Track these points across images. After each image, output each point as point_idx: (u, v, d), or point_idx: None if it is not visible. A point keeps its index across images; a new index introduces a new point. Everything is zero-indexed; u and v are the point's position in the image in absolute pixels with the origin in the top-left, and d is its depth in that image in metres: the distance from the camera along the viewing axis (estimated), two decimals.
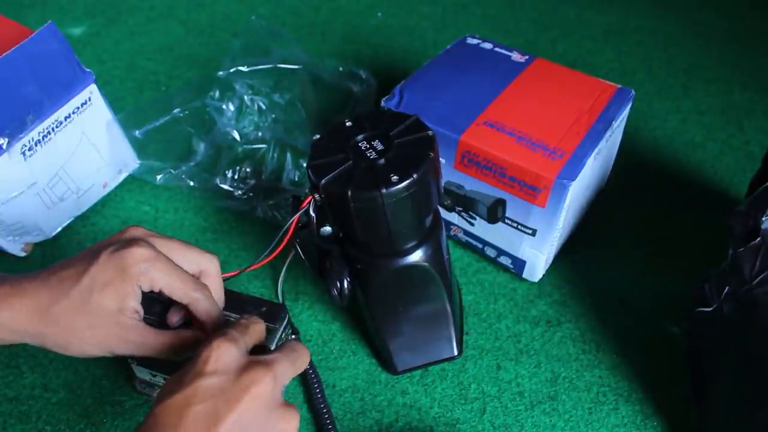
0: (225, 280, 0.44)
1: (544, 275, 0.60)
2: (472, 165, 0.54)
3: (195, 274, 0.41)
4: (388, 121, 0.42)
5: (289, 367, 0.36)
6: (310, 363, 0.52)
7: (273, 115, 0.70)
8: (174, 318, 0.42)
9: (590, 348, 0.56)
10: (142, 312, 0.39)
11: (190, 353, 0.40)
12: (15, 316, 0.37)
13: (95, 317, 0.37)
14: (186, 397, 0.31)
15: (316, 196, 0.41)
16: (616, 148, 0.63)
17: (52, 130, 0.58)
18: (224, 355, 0.33)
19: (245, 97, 0.70)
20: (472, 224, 0.59)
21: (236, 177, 0.67)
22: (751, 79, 0.84)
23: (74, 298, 0.37)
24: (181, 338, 0.40)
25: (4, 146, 0.54)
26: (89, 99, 0.61)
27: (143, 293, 0.39)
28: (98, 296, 0.37)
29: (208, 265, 0.42)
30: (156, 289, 0.39)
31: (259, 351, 0.36)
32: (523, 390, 0.53)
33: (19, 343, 0.38)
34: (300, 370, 0.37)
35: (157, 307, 0.43)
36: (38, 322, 0.37)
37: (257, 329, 0.38)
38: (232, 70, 0.70)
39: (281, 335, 0.48)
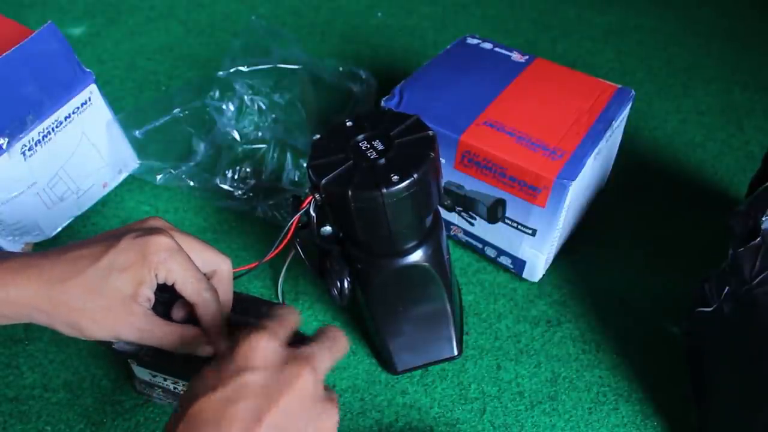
0: (236, 276, 0.44)
1: (544, 275, 0.60)
2: (472, 165, 0.54)
3: (207, 274, 0.41)
4: (388, 121, 0.42)
5: (328, 357, 0.35)
6: None
7: (273, 115, 0.70)
8: (180, 313, 0.42)
9: (590, 348, 0.56)
10: (153, 300, 0.39)
11: (191, 349, 0.40)
12: (24, 290, 0.36)
13: (108, 299, 0.37)
14: (227, 394, 0.31)
15: (317, 196, 0.41)
16: (616, 148, 0.63)
17: (52, 130, 0.58)
18: (265, 349, 0.32)
19: (245, 97, 0.70)
20: (472, 224, 0.59)
21: (236, 177, 0.67)
22: (751, 78, 0.84)
23: (90, 277, 0.37)
24: (187, 333, 0.40)
25: (4, 146, 0.54)
26: (89, 99, 0.61)
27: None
28: (115, 279, 0.37)
29: (222, 267, 0.42)
30: (170, 282, 0.38)
31: (296, 340, 0.36)
32: (523, 390, 0.53)
33: (25, 322, 0.38)
34: (339, 357, 0.37)
35: (160, 299, 0.43)
36: (47, 299, 0.36)
37: (293, 319, 0.37)
38: (232, 70, 0.70)
39: None
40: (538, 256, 0.56)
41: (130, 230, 0.39)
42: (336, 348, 0.36)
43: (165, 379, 0.47)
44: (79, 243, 0.39)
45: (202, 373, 0.33)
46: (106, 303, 0.37)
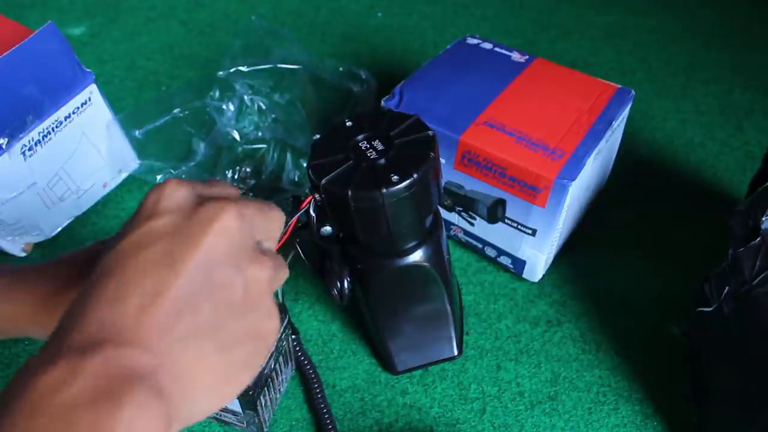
0: None
1: (544, 275, 0.60)
2: (472, 165, 0.54)
3: None
4: (388, 121, 0.42)
5: (256, 211, 0.29)
6: (310, 363, 0.52)
7: (273, 115, 0.70)
8: None
9: (590, 348, 0.56)
10: None
11: None
12: (20, 305, 0.36)
13: None
14: (136, 240, 0.26)
15: (317, 196, 0.41)
16: (616, 148, 0.63)
17: (52, 130, 0.58)
18: (175, 191, 0.28)
19: (245, 97, 0.70)
20: (472, 224, 0.59)
21: (236, 177, 0.67)
22: (750, 79, 0.84)
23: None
24: None
25: (4, 146, 0.54)
26: (89, 99, 0.61)
27: None
28: None
29: None
30: None
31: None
32: (523, 390, 0.53)
33: (22, 336, 0.37)
34: (273, 223, 0.31)
35: None
36: (44, 313, 0.36)
37: (232, 192, 0.31)
38: (232, 70, 0.70)
39: (281, 335, 0.48)
40: (538, 256, 0.56)
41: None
42: (268, 211, 0.31)
43: None
44: (70, 254, 0.38)
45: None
46: None
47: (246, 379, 0.28)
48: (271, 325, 0.29)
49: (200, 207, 0.27)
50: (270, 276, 0.28)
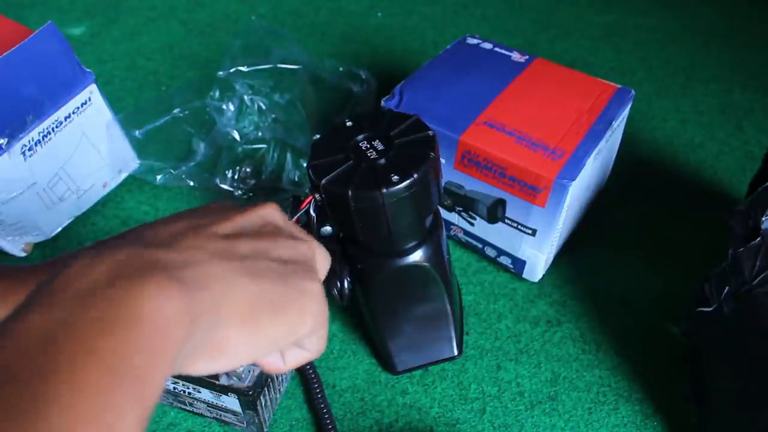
0: None
1: (544, 275, 0.60)
2: (472, 165, 0.54)
3: None
4: (388, 121, 0.42)
5: (302, 230, 0.32)
6: (310, 363, 0.52)
7: (273, 115, 0.70)
8: None
9: (590, 348, 0.56)
10: None
11: None
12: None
13: None
14: (185, 211, 0.29)
15: (317, 196, 0.41)
16: (616, 148, 0.63)
17: (52, 130, 0.58)
18: (228, 203, 0.31)
19: (245, 97, 0.70)
20: (472, 224, 0.59)
21: (236, 177, 0.67)
22: (750, 78, 0.84)
23: None
24: None
25: (4, 146, 0.54)
26: (89, 99, 0.61)
27: None
28: None
29: None
30: None
31: None
32: (523, 390, 0.53)
33: None
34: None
35: None
36: None
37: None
38: (232, 70, 0.70)
39: None
40: (538, 256, 0.56)
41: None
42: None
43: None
44: (66, 255, 0.38)
45: None
46: None
47: (276, 323, 0.27)
48: (310, 287, 0.29)
49: (238, 205, 0.30)
50: (313, 252, 0.31)
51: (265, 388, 0.47)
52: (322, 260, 0.32)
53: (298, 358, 0.32)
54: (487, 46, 0.63)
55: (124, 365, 0.20)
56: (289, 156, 0.67)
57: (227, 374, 0.45)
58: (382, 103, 0.58)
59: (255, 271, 0.27)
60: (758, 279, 0.43)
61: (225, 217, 0.28)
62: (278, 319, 0.27)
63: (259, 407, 0.47)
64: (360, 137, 0.41)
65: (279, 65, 0.73)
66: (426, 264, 0.46)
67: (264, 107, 0.70)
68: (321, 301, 0.29)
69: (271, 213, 0.31)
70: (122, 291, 0.21)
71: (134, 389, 0.20)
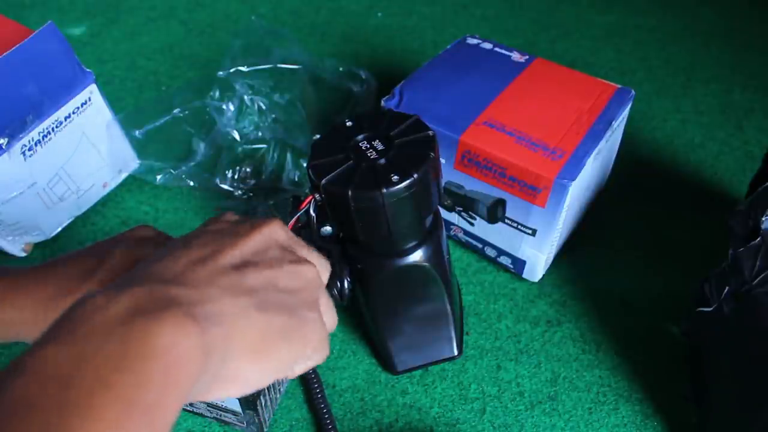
0: None
1: (544, 275, 0.60)
2: (472, 165, 0.54)
3: None
4: (388, 121, 0.42)
5: (303, 245, 0.34)
6: None
7: (273, 115, 0.70)
8: None
9: (590, 348, 0.56)
10: None
11: None
12: (16, 311, 0.36)
13: None
14: (190, 237, 0.30)
15: (317, 196, 0.41)
16: (616, 148, 0.63)
17: (52, 130, 0.58)
18: (228, 215, 0.34)
19: (245, 97, 0.70)
20: (472, 224, 0.59)
21: (236, 177, 0.67)
22: (750, 78, 0.84)
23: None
24: None
25: (4, 146, 0.54)
26: (89, 99, 0.61)
27: None
28: None
29: None
30: None
31: None
32: (523, 390, 0.53)
33: (13, 341, 0.37)
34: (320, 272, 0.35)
35: None
36: (42, 319, 0.36)
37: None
38: (232, 70, 0.70)
39: None
40: (538, 256, 0.56)
41: (119, 241, 0.38)
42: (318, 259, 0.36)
43: None
44: (66, 256, 0.38)
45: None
46: None
47: (283, 351, 0.29)
48: (311, 316, 0.31)
49: (250, 219, 0.32)
50: (316, 274, 0.32)
51: (265, 388, 0.47)
52: (324, 273, 0.35)
53: (303, 367, 0.34)
54: (487, 46, 0.63)
55: (139, 399, 0.21)
56: (289, 156, 0.67)
57: None
58: (382, 103, 0.58)
59: (264, 304, 0.28)
60: (758, 279, 0.43)
61: (231, 243, 0.30)
62: (285, 347, 0.29)
63: (259, 407, 0.47)
64: (360, 137, 0.41)
65: (279, 65, 0.73)
66: (426, 264, 0.46)
67: (264, 107, 0.70)
68: (322, 328, 0.32)
69: (274, 231, 0.32)
70: (141, 327, 0.23)
71: (149, 421, 0.22)
